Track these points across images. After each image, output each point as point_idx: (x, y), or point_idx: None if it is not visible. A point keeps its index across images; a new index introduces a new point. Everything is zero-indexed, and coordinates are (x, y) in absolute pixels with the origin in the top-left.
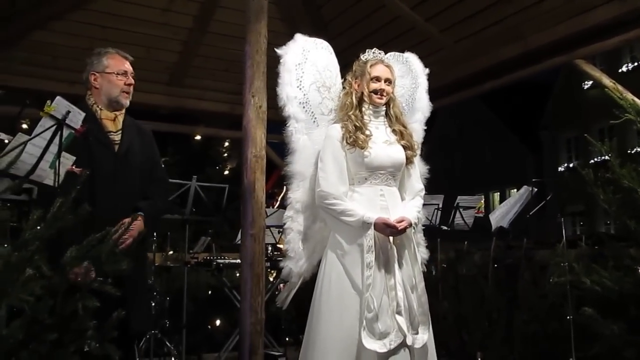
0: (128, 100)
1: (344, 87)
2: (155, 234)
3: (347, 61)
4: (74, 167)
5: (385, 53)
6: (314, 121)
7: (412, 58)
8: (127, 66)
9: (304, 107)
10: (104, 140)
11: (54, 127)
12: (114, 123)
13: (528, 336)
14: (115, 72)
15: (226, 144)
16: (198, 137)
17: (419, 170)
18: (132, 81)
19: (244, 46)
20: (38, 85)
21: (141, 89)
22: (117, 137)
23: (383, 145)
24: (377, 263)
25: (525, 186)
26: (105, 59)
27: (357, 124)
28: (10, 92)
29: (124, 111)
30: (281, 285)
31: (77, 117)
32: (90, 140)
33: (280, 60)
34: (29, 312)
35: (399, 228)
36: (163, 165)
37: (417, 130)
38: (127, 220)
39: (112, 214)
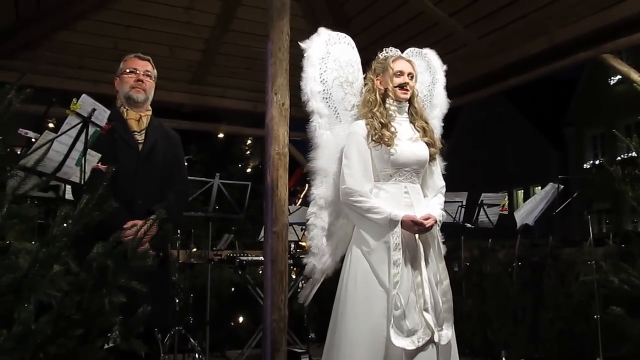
0: (141, 96)
1: (365, 84)
2: (179, 231)
3: (370, 58)
4: (99, 165)
5: (404, 50)
6: (337, 116)
7: (430, 54)
8: (140, 64)
9: (327, 102)
10: (128, 139)
11: (79, 125)
12: (138, 123)
13: (554, 335)
14: (126, 70)
15: (248, 141)
16: (221, 135)
17: (440, 167)
18: (142, 77)
19: (266, 44)
20: (63, 84)
21: (164, 87)
22: (140, 137)
23: (408, 142)
24: (403, 260)
25: (551, 183)
26: (122, 63)
27: (383, 121)
28: (37, 91)
29: (150, 113)
30: (302, 282)
31: (102, 115)
32: (116, 139)
33: (304, 54)
34: (57, 308)
35: (427, 225)
36: (185, 164)
37: (436, 126)
38: (139, 222)
39: (131, 211)
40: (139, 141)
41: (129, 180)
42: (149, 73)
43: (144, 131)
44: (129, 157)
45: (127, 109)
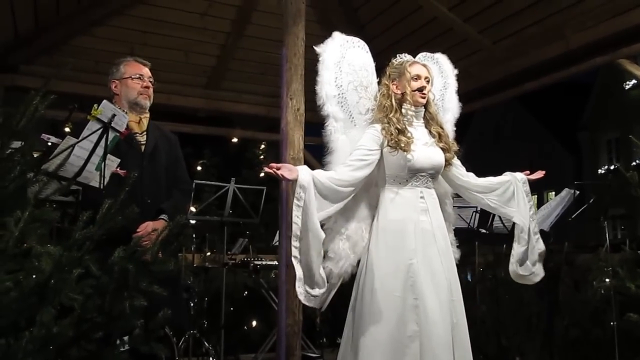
0: (148, 102)
1: (380, 89)
2: (194, 236)
3: (384, 63)
4: (118, 169)
5: (416, 55)
6: (352, 120)
7: (442, 58)
8: (144, 71)
9: (342, 106)
10: (131, 141)
11: (100, 130)
12: (138, 125)
13: (569, 342)
14: (131, 76)
15: (262, 146)
16: (235, 140)
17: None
18: (149, 84)
19: (281, 49)
20: (80, 89)
21: (180, 92)
22: (142, 139)
23: (423, 147)
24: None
25: (566, 189)
26: (122, 67)
27: (399, 127)
28: (57, 96)
29: (148, 115)
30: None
31: (122, 120)
32: (119, 141)
33: (320, 58)
34: (79, 311)
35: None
36: (200, 168)
37: (448, 130)
38: (150, 223)
39: (139, 212)
40: (141, 142)
41: (135, 181)
42: (151, 79)
43: (144, 133)
44: (133, 158)
45: (126, 112)
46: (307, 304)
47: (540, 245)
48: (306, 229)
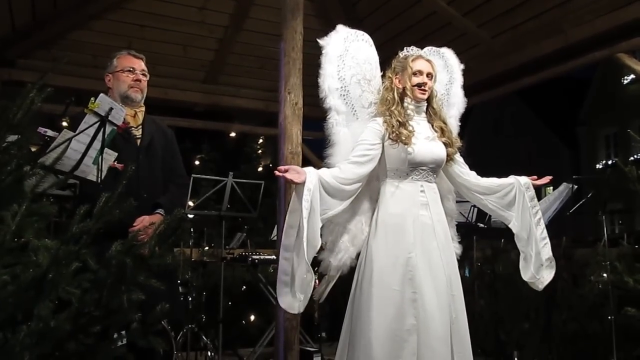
0: (139, 95)
1: (383, 82)
2: (192, 230)
3: (383, 57)
4: (115, 163)
5: (422, 49)
6: (354, 114)
7: (448, 53)
8: (137, 64)
9: (344, 99)
10: (126, 135)
11: (97, 124)
12: (134, 119)
13: (567, 336)
14: (122, 69)
15: (260, 140)
16: (233, 134)
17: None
18: (140, 77)
19: (279, 43)
20: (77, 83)
21: (177, 86)
22: (137, 132)
23: (425, 141)
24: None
25: (564, 183)
26: (116, 60)
27: (400, 120)
28: (54, 90)
29: (143, 109)
30: (316, 281)
31: (119, 114)
32: (115, 135)
33: (323, 51)
34: (76, 304)
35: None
36: (198, 162)
37: (453, 125)
38: (147, 217)
39: (136, 206)
40: (137, 136)
41: (132, 174)
42: (145, 72)
43: (140, 126)
44: (129, 151)
45: (122, 105)
46: (291, 312)
47: (547, 252)
48: (306, 232)
